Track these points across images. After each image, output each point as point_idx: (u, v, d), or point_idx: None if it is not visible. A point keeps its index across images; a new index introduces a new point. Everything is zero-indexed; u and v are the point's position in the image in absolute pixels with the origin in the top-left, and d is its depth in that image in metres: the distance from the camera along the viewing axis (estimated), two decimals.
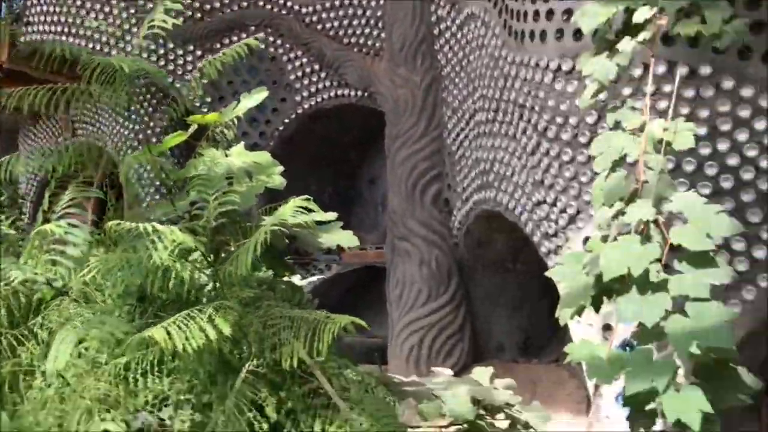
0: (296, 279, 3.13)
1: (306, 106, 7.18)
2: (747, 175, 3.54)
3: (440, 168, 6.04)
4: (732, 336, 2.23)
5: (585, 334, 4.09)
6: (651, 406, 2.36)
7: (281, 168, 2.56)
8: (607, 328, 3.86)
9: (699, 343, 2.23)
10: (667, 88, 3.63)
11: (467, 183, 5.58)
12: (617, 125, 3.06)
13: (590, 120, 4.04)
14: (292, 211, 1.99)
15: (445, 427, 3.16)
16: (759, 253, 3.53)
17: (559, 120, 4.21)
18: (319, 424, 2.15)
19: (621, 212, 2.70)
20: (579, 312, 2.81)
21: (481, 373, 3.53)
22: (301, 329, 1.99)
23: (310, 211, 2.24)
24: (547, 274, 3.06)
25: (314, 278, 6.90)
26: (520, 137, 4.65)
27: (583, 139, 4.08)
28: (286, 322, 2.12)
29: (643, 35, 2.93)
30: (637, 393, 2.25)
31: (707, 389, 2.32)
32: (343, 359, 2.54)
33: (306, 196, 2.08)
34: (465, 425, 3.08)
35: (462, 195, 5.71)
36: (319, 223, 2.69)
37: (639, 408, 2.35)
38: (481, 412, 3.19)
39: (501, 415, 3.26)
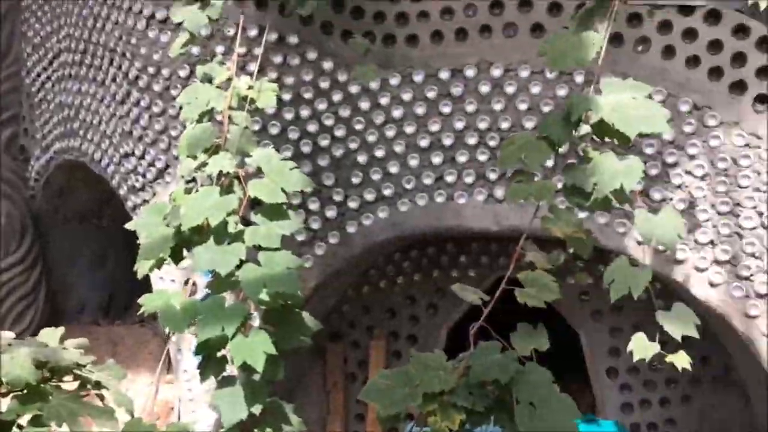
0: None
1: None
2: (324, 142, 3.86)
3: (16, 110, 5.35)
4: (297, 282, 2.42)
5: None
6: (222, 352, 2.44)
7: None
8: (188, 283, 3.87)
9: (268, 289, 2.37)
10: (257, 51, 3.75)
11: (48, 129, 5.06)
12: (206, 78, 3.07)
13: (183, 73, 3.98)
14: None
15: (2, 395, 2.83)
16: (330, 213, 3.90)
17: (151, 70, 4.06)
18: None
19: (204, 164, 2.72)
20: (159, 264, 2.76)
21: (49, 334, 3.25)
22: None
23: None
24: (128, 226, 2.93)
25: None
26: (109, 84, 4.37)
27: (174, 92, 4.00)
28: None
29: None
30: (208, 340, 2.30)
31: (274, 333, 2.49)
32: None
33: None
34: (25, 390, 2.79)
35: (42, 142, 5.16)
36: None
37: (210, 355, 2.40)
38: (47, 374, 2.93)
39: (70, 377, 3.05)
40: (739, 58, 3.36)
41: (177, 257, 2.68)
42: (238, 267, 2.45)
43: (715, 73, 3.40)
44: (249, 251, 2.52)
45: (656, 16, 3.38)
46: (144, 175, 4.21)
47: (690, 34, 3.41)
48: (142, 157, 4.19)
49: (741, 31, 3.35)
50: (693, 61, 3.42)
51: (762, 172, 3.32)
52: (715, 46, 3.39)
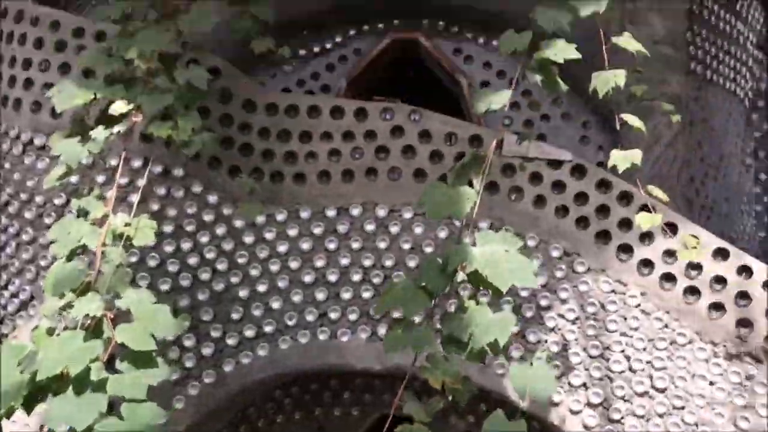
0: None
1: None
2: (204, 275, 3.76)
3: None
4: None
5: None
6: None
7: None
8: (43, 430, 3.55)
9: None
10: (140, 182, 3.69)
11: None
12: (82, 212, 2.97)
13: (58, 202, 3.83)
14: None
15: None
16: (207, 351, 3.74)
17: (24, 196, 3.89)
18: None
19: (70, 305, 2.56)
20: (8, 414, 2.52)
21: None
22: None
23: None
24: None
25: None
26: None
27: (48, 221, 3.83)
28: None
29: (118, 127, 2.94)
30: None
31: None
32: None
33: None
34: None
35: None
36: None
37: None
38: None
39: None
40: (603, 210, 3.61)
41: (30, 407, 2.45)
42: (99, 420, 2.27)
43: (582, 222, 3.63)
44: (113, 401, 2.35)
45: (528, 168, 3.61)
46: (5, 307, 3.92)
47: (558, 185, 3.65)
48: (5, 287, 3.93)
49: (604, 185, 3.62)
50: (562, 210, 3.64)
51: (628, 318, 3.50)
52: (581, 197, 3.63)
